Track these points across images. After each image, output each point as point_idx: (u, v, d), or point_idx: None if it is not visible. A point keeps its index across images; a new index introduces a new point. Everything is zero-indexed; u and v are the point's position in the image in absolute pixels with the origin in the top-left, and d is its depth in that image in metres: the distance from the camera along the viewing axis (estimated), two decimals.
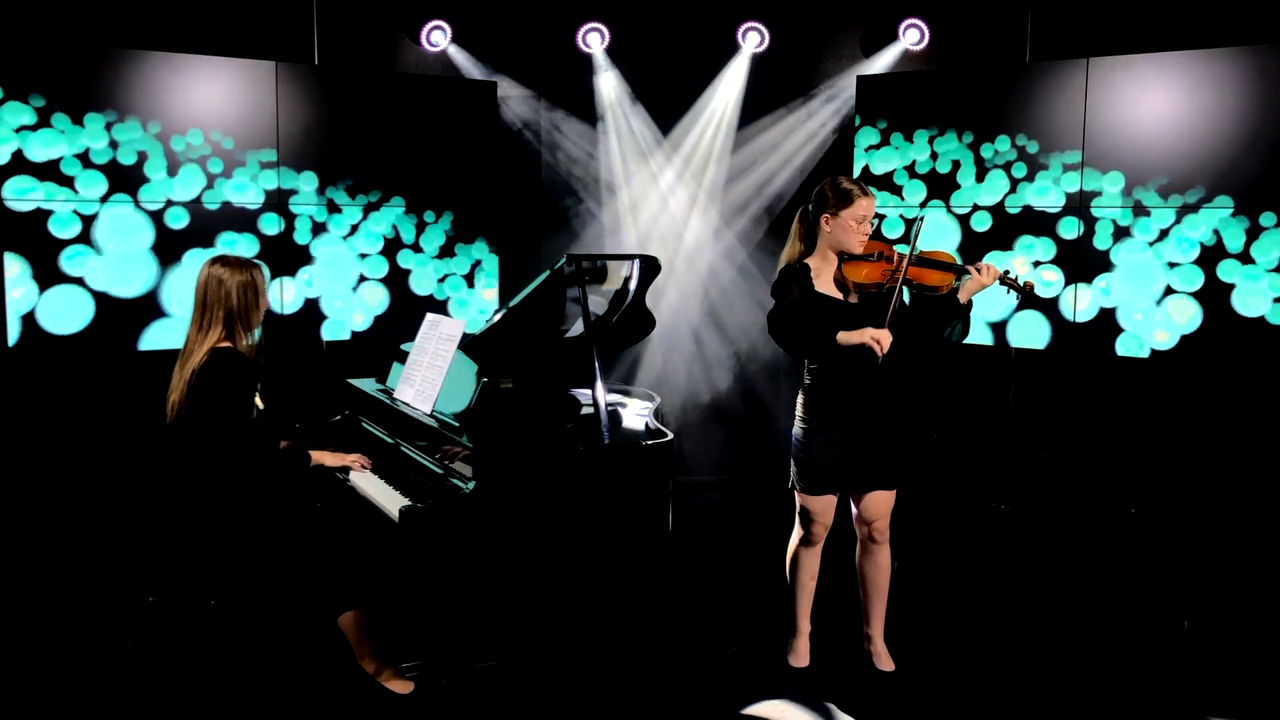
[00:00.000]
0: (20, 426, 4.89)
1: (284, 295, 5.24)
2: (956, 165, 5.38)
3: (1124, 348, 4.96)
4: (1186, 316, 4.80)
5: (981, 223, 5.33)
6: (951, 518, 5.30)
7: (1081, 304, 5.06)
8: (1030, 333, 5.21)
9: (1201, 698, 3.44)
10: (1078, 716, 3.36)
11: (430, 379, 3.58)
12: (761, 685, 3.49)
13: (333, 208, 5.35)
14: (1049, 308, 5.15)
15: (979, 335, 5.32)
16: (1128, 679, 3.58)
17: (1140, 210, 4.89)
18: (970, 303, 3.31)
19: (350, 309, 5.46)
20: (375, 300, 5.52)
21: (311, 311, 5.35)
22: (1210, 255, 4.73)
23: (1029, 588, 4.40)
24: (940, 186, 5.43)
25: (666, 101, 6.01)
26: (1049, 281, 5.13)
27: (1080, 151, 5.02)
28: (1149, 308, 4.89)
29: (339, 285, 5.42)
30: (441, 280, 5.68)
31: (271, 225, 5.20)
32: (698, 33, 5.89)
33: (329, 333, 5.41)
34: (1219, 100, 4.67)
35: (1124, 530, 5.04)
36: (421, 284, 5.63)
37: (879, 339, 3.14)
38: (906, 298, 3.36)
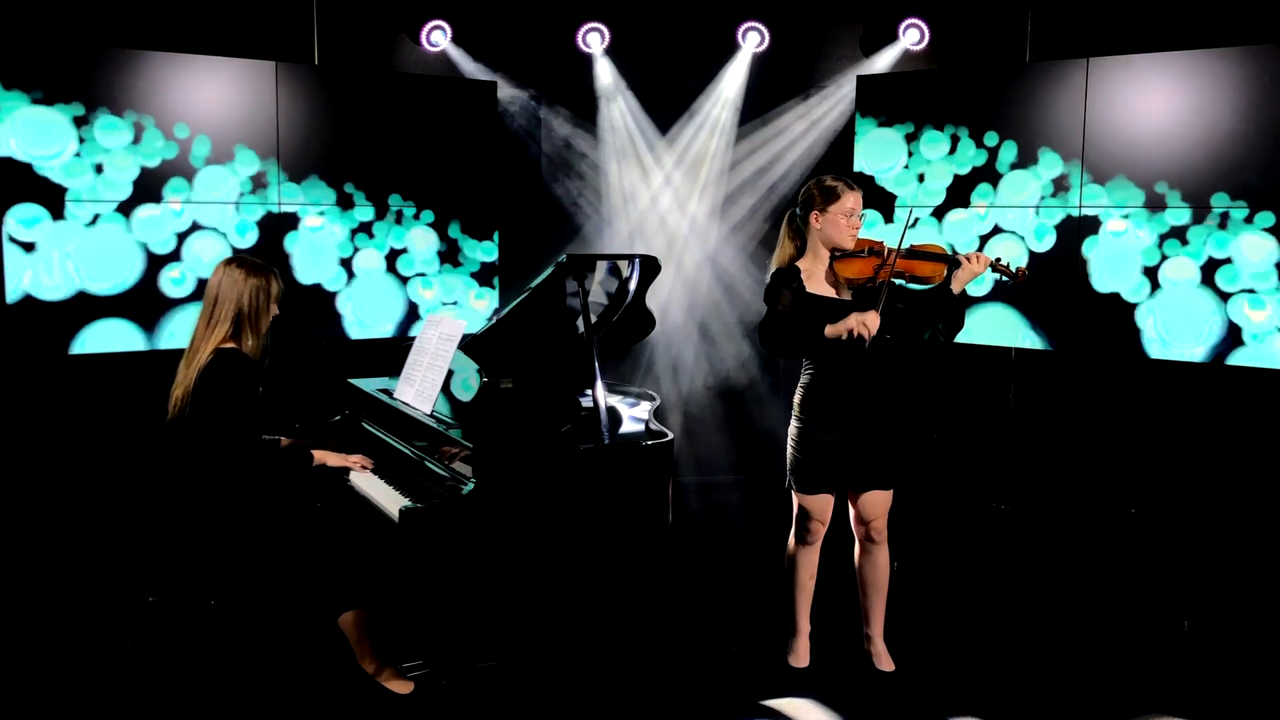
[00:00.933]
0: (20, 425, 4.88)
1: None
2: (954, 164, 5.38)
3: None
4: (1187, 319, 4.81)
5: (980, 221, 5.33)
6: (951, 518, 5.30)
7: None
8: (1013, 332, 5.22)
9: (1201, 698, 3.44)
10: (1078, 716, 3.36)
11: (430, 379, 3.58)
12: (761, 685, 3.49)
13: (331, 207, 5.35)
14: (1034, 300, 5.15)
15: (975, 335, 5.32)
16: (1128, 679, 3.58)
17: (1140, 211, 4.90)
18: (964, 293, 3.32)
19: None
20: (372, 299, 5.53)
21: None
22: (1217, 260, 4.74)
23: (1029, 588, 4.40)
24: (939, 186, 5.42)
25: (666, 101, 6.01)
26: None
27: (1080, 151, 5.02)
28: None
29: (329, 280, 5.43)
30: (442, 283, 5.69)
31: (269, 225, 5.20)
32: (698, 32, 5.89)
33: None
34: (1219, 100, 4.67)
35: (1124, 530, 5.04)
36: (419, 283, 5.63)
37: (865, 321, 3.14)
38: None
